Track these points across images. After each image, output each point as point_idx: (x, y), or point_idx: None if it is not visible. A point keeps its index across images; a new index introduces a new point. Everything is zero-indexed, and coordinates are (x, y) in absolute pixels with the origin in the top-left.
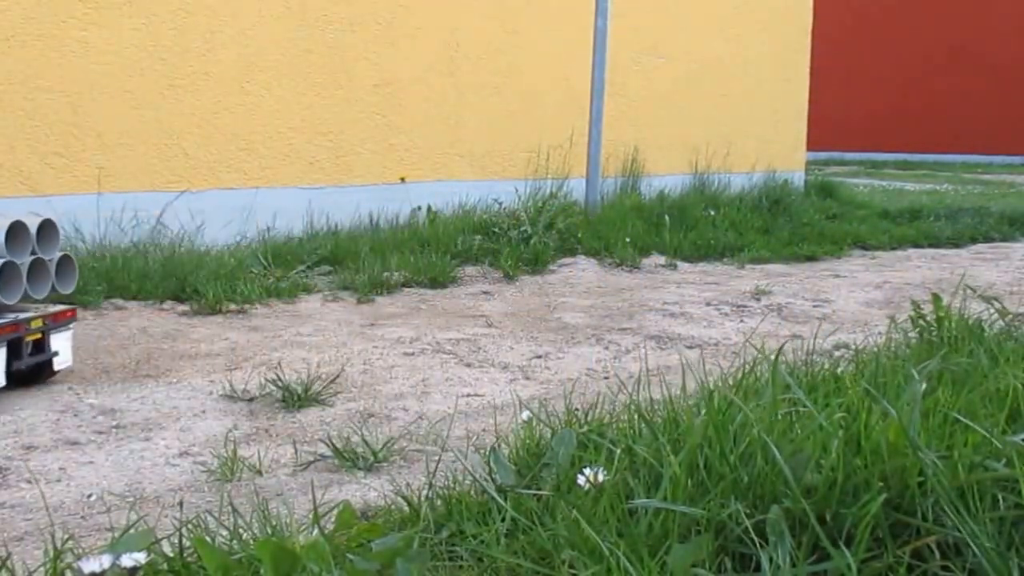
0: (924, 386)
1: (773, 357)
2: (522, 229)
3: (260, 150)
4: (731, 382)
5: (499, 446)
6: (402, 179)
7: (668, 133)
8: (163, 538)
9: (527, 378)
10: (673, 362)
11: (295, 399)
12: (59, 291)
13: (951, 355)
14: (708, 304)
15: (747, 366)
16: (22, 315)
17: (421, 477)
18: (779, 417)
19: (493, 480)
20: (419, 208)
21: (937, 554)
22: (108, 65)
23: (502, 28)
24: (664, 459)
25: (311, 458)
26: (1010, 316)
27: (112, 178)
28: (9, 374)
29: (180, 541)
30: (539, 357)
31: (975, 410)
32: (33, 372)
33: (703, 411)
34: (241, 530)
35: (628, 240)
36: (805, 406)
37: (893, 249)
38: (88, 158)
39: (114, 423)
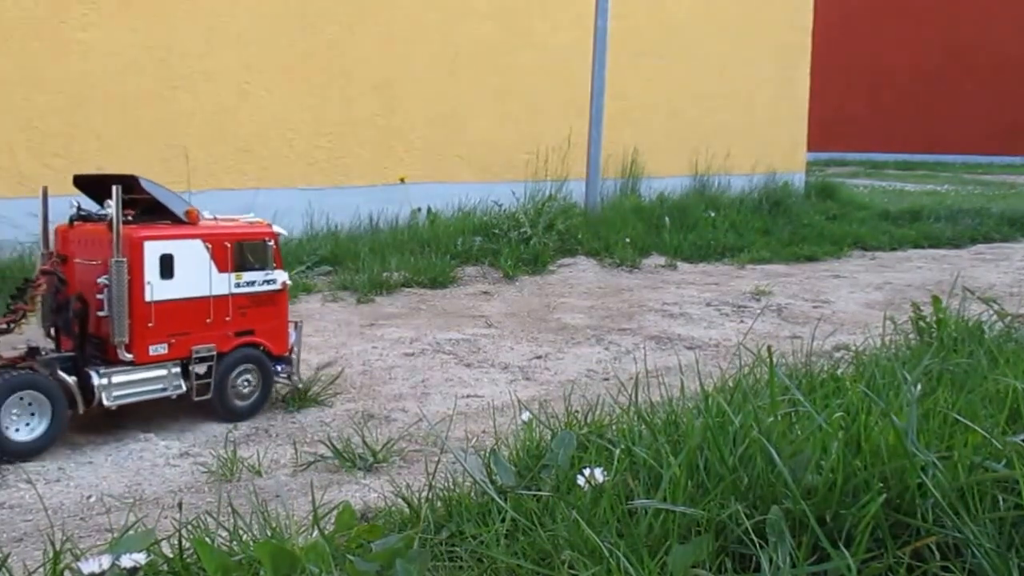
0: (921, 387)
1: (771, 358)
2: (522, 230)
3: (259, 151)
4: (731, 383)
5: (499, 447)
6: (402, 180)
7: (668, 134)
8: (163, 539)
9: (527, 379)
10: (673, 363)
11: (294, 399)
12: None
13: (951, 356)
14: (708, 305)
15: (746, 367)
16: None
17: (421, 478)
18: (779, 418)
19: (493, 481)
20: (419, 209)
21: (937, 555)
22: (107, 66)
23: (502, 29)
24: (664, 460)
25: (311, 459)
26: (1010, 317)
27: None
28: None
29: (180, 542)
30: (539, 358)
31: (975, 411)
32: None
33: (703, 412)
34: (241, 531)
35: (628, 241)
36: (804, 407)
37: (893, 250)
38: (87, 159)
39: (114, 423)
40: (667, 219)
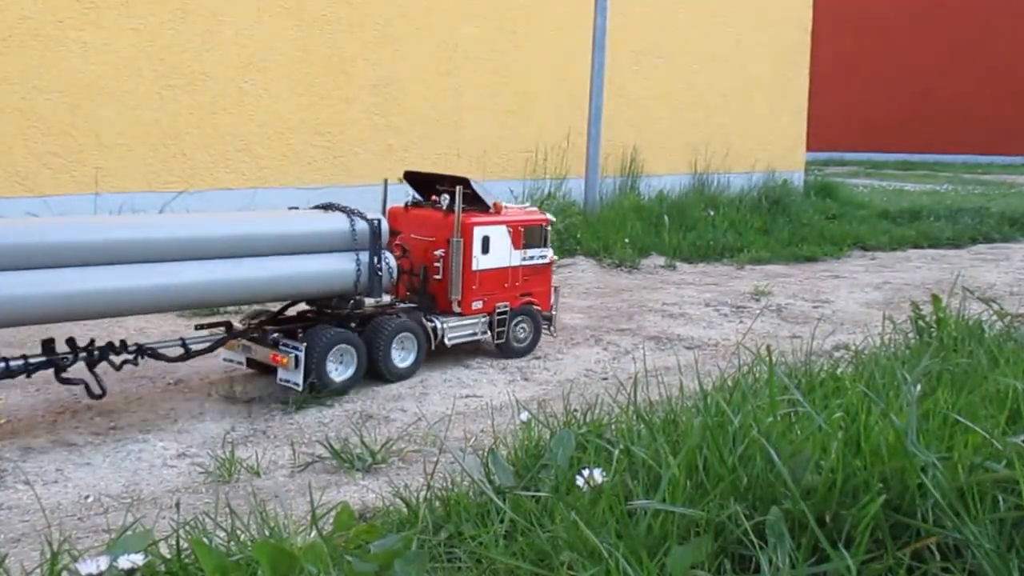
0: (921, 387)
1: (771, 358)
2: None
3: (258, 150)
4: (730, 383)
5: (497, 447)
6: (401, 180)
7: (667, 133)
8: (161, 540)
9: (526, 379)
10: (672, 363)
11: (293, 400)
12: None
13: (951, 356)
14: (707, 305)
15: (746, 367)
16: None
17: (419, 478)
18: (778, 418)
19: (492, 481)
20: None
21: (937, 555)
22: (105, 65)
23: (501, 28)
24: (663, 460)
25: (309, 459)
26: (1009, 317)
27: (110, 178)
28: None
29: (178, 543)
30: (538, 358)
31: (975, 411)
32: None
33: (702, 412)
34: (239, 531)
35: (627, 240)
36: (804, 407)
37: (893, 250)
38: (86, 158)
39: (111, 424)
40: (666, 218)
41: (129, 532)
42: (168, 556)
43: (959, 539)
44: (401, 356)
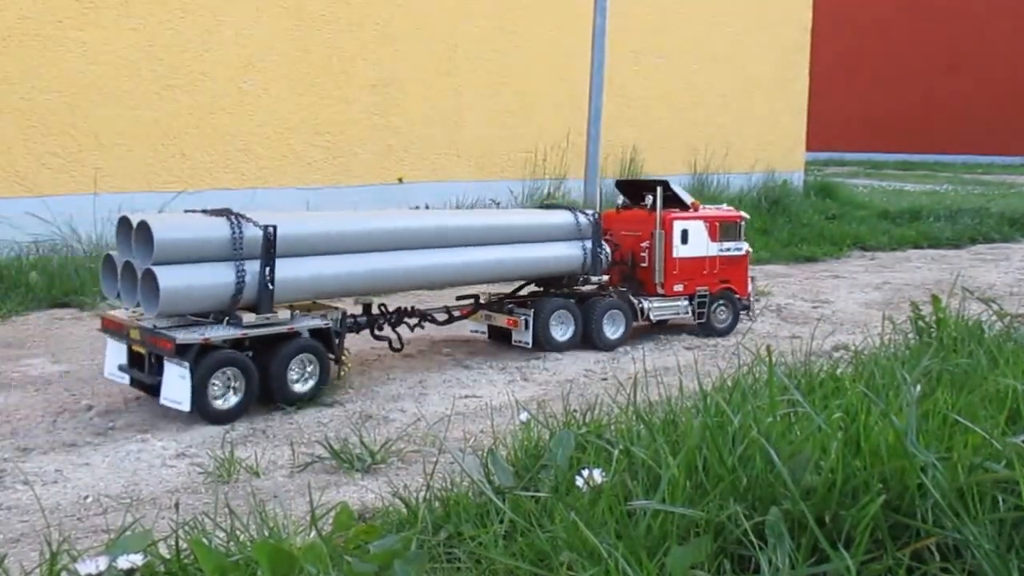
0: (920, 387)
1: (771, 358)
2: None
3: (257, 150)
4: (730, 383)
5: (497, 447)
6: (400, 180)
7: (667, 133)
8: (160, 540)
9: (525, 379)
10: (671, 363)
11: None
12: None
13: (951, 356)
14: None
15: (745, 367)
16: None
17: (419, 478)
18: (778, 418)
19: (491, 482)
20: (417, 208)
21: (937, 556)
22: (105, 65)
23: (500, 28)
24: (663, 460)
25: (308, 459)
26: (1009, 317)
27: (109, 178)
28: None
29: (177, 543)
30: (537, 358)
31: (975, 411)
32: None
33: (701, 412)
34: (238, 532)
35: None
36: (804, 407)
37: (893, 250)
38: (85, 158)
39: (110, 424)
40: None
41: (128, 532)
42: (167, 556)
43: (959, 539)
44: (612, 329)
